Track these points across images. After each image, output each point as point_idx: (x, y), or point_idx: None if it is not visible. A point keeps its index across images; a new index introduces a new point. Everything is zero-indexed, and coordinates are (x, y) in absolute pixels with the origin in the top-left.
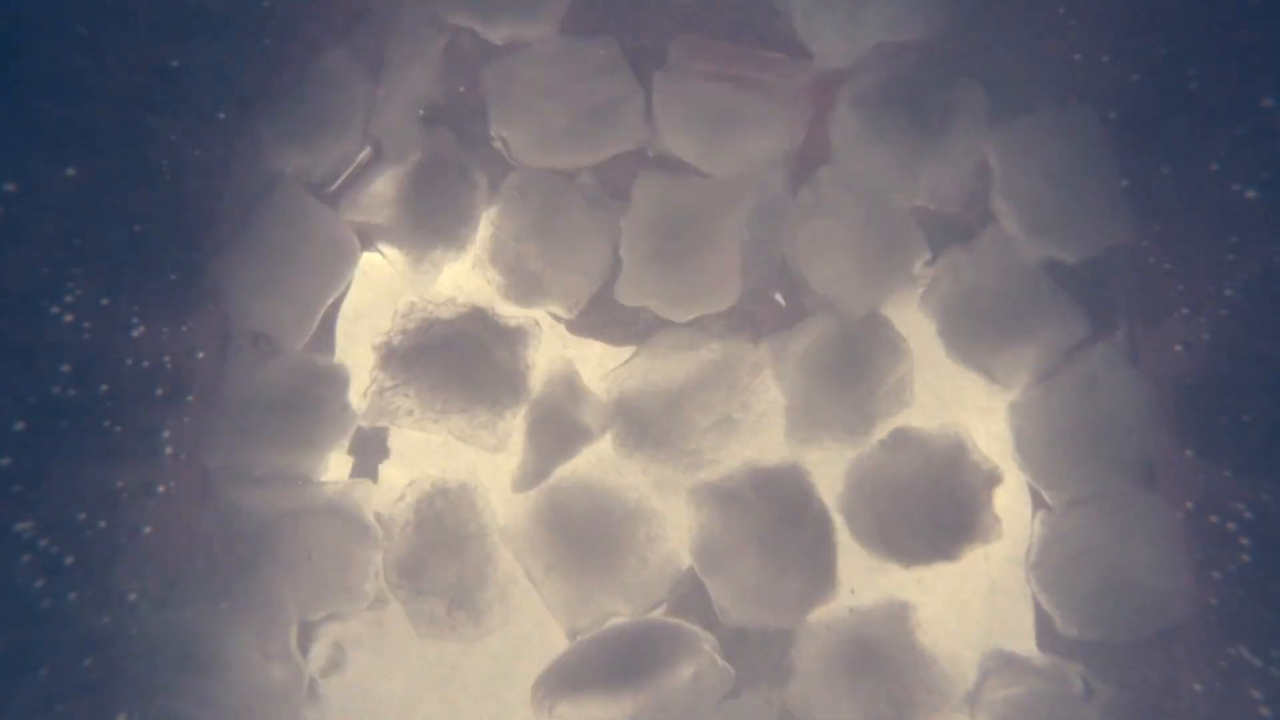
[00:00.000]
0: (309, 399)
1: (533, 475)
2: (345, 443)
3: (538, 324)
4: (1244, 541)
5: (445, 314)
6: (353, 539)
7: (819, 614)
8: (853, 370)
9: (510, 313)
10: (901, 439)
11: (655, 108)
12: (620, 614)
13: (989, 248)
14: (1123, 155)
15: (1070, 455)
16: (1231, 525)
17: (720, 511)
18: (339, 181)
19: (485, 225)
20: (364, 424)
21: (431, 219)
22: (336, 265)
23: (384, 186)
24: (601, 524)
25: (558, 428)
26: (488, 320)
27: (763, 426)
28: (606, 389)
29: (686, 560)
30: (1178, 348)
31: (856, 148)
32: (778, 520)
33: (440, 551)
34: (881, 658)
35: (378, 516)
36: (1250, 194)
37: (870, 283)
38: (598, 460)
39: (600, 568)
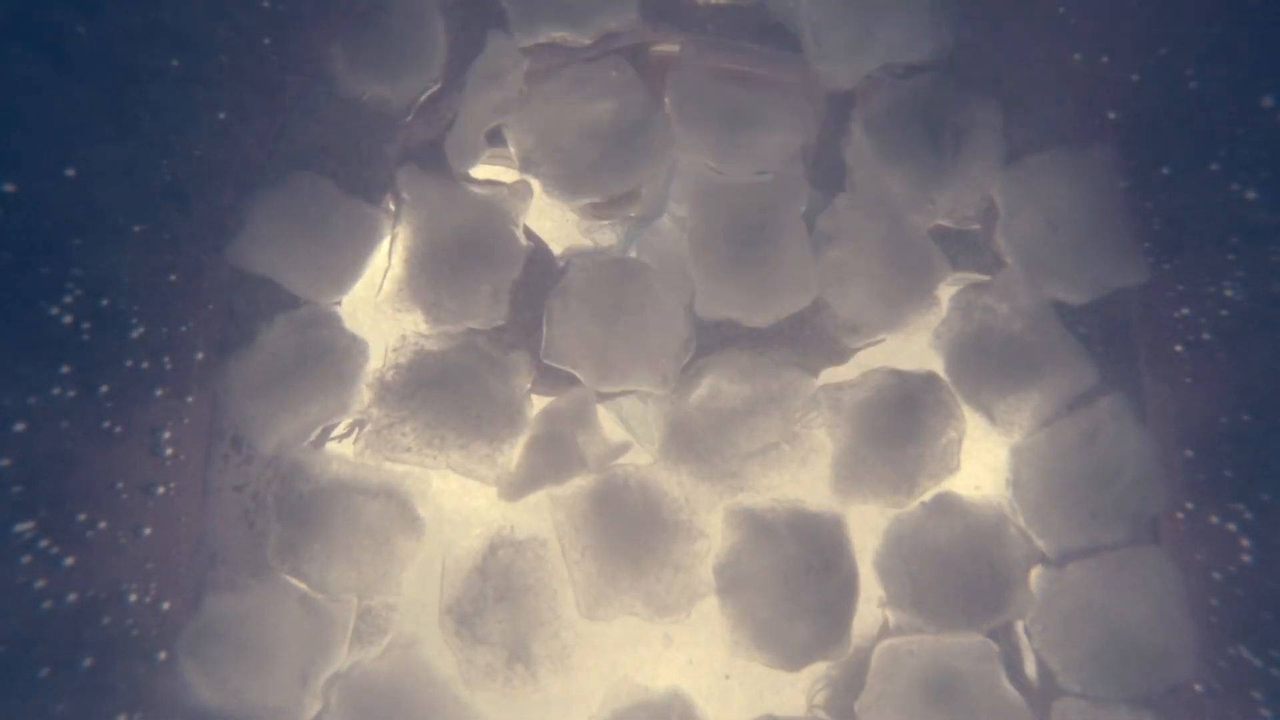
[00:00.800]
0: (315, 345)
1: (519, 487)
2: (364, 372)
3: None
4: (1244, 542)
5: (436, 346)
6: (396, 526)
7: (902, 636)
8: (905, 431)
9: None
10: (945, 504)
11: (670, 109)
12: (638, 615)
13: (1002, 290)
14: (1122, 156)
15: (1066, 505)
16: (1231, 525)
17: (753, 539)
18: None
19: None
20: (358, 462)
21: (461, 286)
22: (362, 247)
23: (417, 232)
24: (649, 527)
25: (556, 449)
26: (480, 352)
27: (808, 464)
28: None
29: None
30: (1178, 348)
31: (872, 171)
32: (805, 566)
33: (506, 601)
34: (961, 693)
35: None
36: (1250, 194)
37: (894, 307)
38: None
39: (633, 567)
